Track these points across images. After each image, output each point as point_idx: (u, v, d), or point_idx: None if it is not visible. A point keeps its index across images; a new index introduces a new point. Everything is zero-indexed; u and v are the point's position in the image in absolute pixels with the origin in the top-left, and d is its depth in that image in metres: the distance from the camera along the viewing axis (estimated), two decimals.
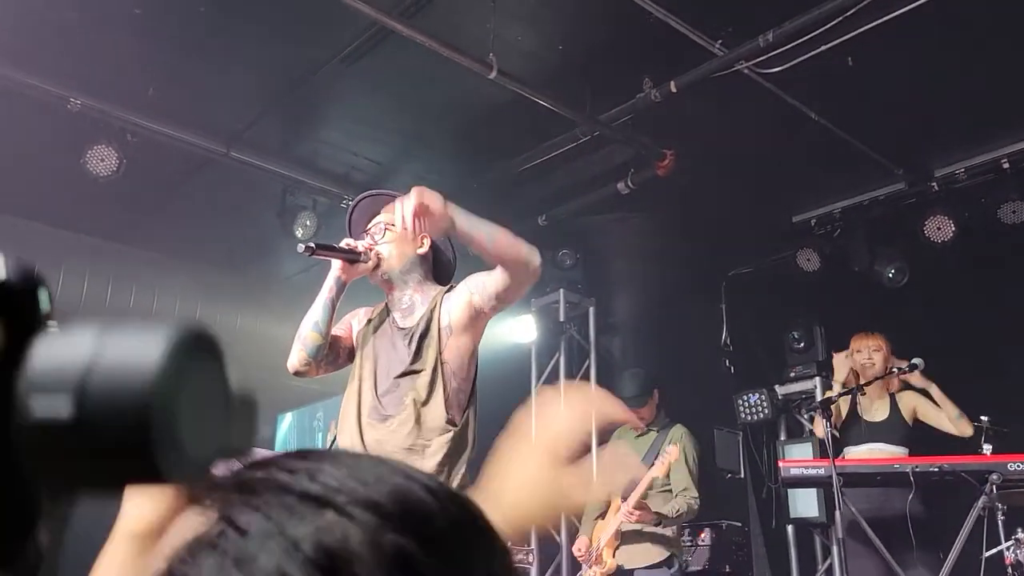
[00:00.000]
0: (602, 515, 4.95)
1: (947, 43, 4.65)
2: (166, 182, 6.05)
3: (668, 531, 4.72)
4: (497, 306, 2.57)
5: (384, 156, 6.17)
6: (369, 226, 2.73)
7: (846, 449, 4.64)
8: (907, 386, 4.72)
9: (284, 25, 4.69)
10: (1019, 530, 3.89)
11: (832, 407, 4.61)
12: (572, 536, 5.40)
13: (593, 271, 6.97)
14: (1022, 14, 4.42)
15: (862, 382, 4.63)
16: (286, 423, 8.70)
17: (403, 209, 2.34)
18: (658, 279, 6.99)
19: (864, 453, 4.53)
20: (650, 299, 7.03)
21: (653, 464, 4.73)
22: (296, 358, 2.58)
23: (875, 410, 4.62)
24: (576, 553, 4.97)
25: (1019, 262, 5.59)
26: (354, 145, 6.03)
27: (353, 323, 2.77)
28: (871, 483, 4.06)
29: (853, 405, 4.67)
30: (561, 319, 6.87)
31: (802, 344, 6.57)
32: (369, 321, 2.73)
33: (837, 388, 4.77)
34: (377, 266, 2.63)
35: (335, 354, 2.67)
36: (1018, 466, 3.51)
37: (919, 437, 4.63)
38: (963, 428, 4.50)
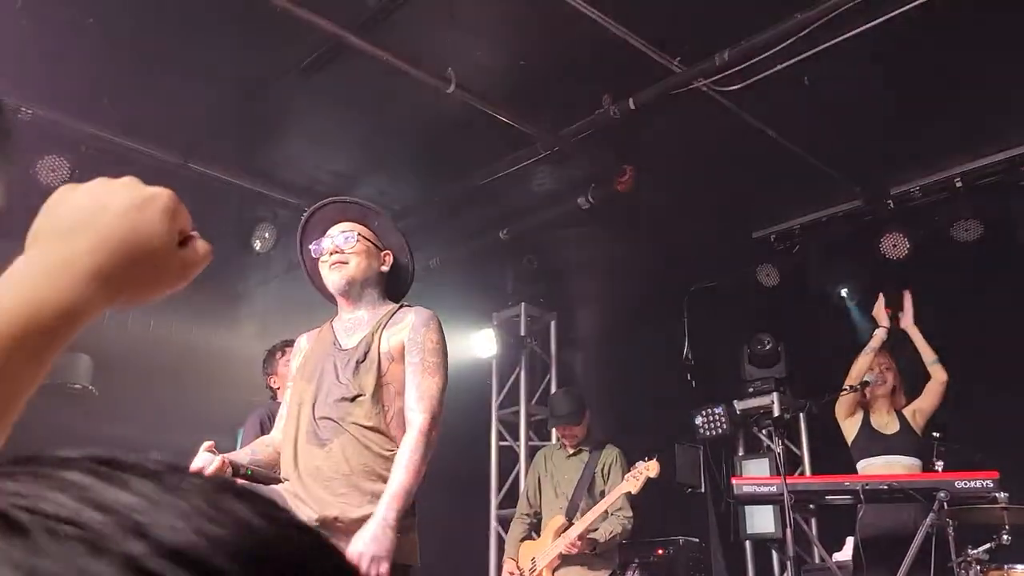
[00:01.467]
0: (528, 536, 4.90)
1: (901, 63, 4.73)
2: None
3: (605, 548, 4.67)
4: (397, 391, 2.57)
5: (345, 168, 6.13)
6: (335, 232, 2.64)
7: (862, 462, 4.67)
8: (909, 402, 4.79)
9: (242, 36, 4.64)
10: (969, 547, 3.94)
11: (844, 419, 4.71)
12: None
13: (555, 285, 6.97)
14: (975, 36, 4.50)
15: (868, 398, 4.72)
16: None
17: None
18: (620, 293, 7.00)
19: (882, 465, 4.57)
20: (612, 313, 7.04)
21: (592, 483, 4.72)
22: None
23: (887, 424, 4.69)
24: None
25: (972, 279, 5.68)
26: (315, 157, 5.99)
27: (294, 363, 2.73)
28: (821, 501, 4.07)
29: (866, 421, 4.72)
30: (522, 333, 6.86)
31: (761, 359, 6.61)
32: (315, 341, 2.68)
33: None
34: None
35: None
36: (965, 484, 3.54)
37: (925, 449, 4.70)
38: (937, 374, 4.59)
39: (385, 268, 2.68)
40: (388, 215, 2.82)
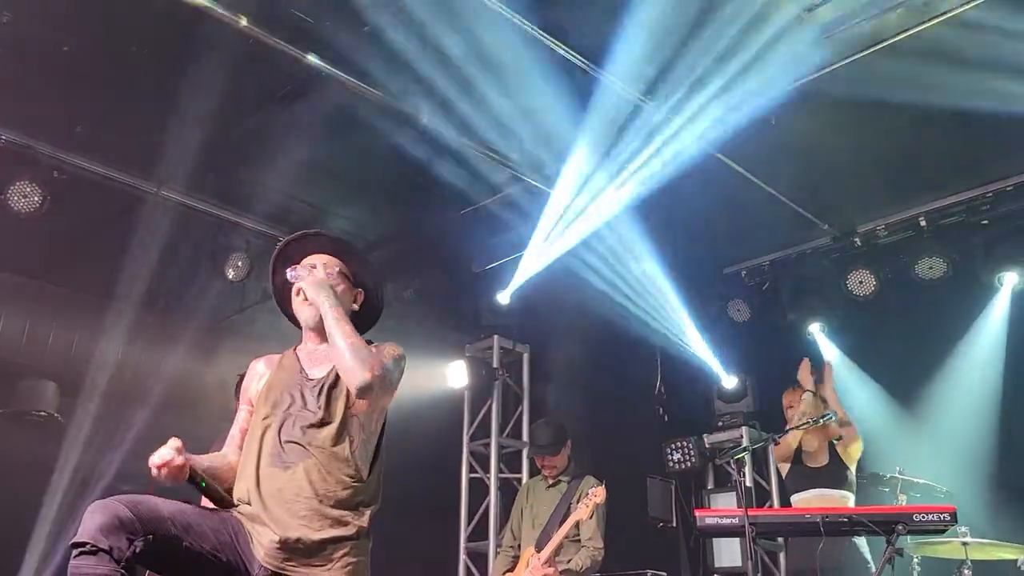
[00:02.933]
0: (511, 568, 4.90)
1: (865, 104, 4.84)
2: (93, 219, 5.95)
3: None
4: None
5: (319, 199, 6.17)
6: (317, 262, 2.66)
7: (794, 497, 4.67)
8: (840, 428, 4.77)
9: (219, 65, 4.68)
10: None
11: (780, 462, 4.70)
12: None
13: (528, 320, 7.00)
14: (937, 77, 4.62)
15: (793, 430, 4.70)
16: None
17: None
18: (592, 327, 7.04)
19: (811, 499, 4.56)
20: (584, 347, 7.07)
21: (566, 513, 4.72)
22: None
23: (817, 457, 4.69)
24: None
25: (936, 315, 5.78)
26: (288, 186, 6.01)
27: (252, 387, 2.68)
28: (784, 532, 4.10)
29: (799, 453, 4.72)
30: (495, 365, 6.87)
31: (731, 393, 6.66)
32: (277, 367, 2.67)
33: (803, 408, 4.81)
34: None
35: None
36: (924, 517, 3.57)
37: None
38: (850, 433, 4.60)
39: (356, 307, 2.71)
40: (365, 255, 2.84)
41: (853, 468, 4.61)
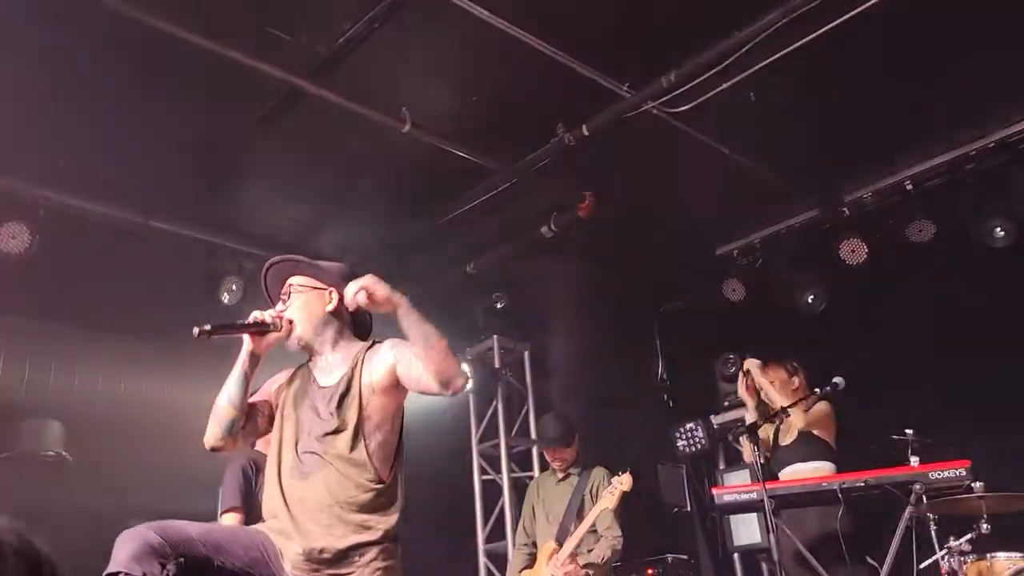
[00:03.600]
0: (529, 566, 4.91)
1: (842, 73, 4.88)
2: (84, 255, 5.91)
3: (600, 572, 4.68)
4: (415, 389, 2.52)
5: (308, 215, 6.16)
6: (282, 293, 2.73)
7: (780, 475, 4.69)
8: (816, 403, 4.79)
9: (197, 90, 4.68)
10: (951, 538, 3.98)
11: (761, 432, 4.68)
12: None
13: (525, 316, 7.01)
14: (912, 41, 4.66)
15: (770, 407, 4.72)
16: None
17: (352, 288, 2.44)
18: (590, 320, 7.06)
19: (788, 475, 4.60)
20: (584, 340, 7.09)
21: (581, 505, 4.73)
22: (211, 434, 2.52)
23: (789, 433, 4.71)
24: None
25: (929, 276, 5.81)
26: (277, 206, 6.01)
27: (273, 389, 2.73)
28: (803, 503, 4.11)
29: (776, 431, 4.74)
30: (497, 365, 6.88)
31: (733, 372, 6.68)
32: (290, 381, 2.71)
33: (751, 416, 4.82)
34: (289, 332, 2.61)
35: (254, 424, 2.61)
36: (939, 474, 3.60)
37: (844, 450, 4.71)
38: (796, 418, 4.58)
39: (331, 307, 2.68)
40: (314, 263, 2.81)
41: (826, 436, 4.62)
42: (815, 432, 4.57)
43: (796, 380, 4.84)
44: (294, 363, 2.85)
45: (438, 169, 5.47)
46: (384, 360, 2.55)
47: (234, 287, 6.23)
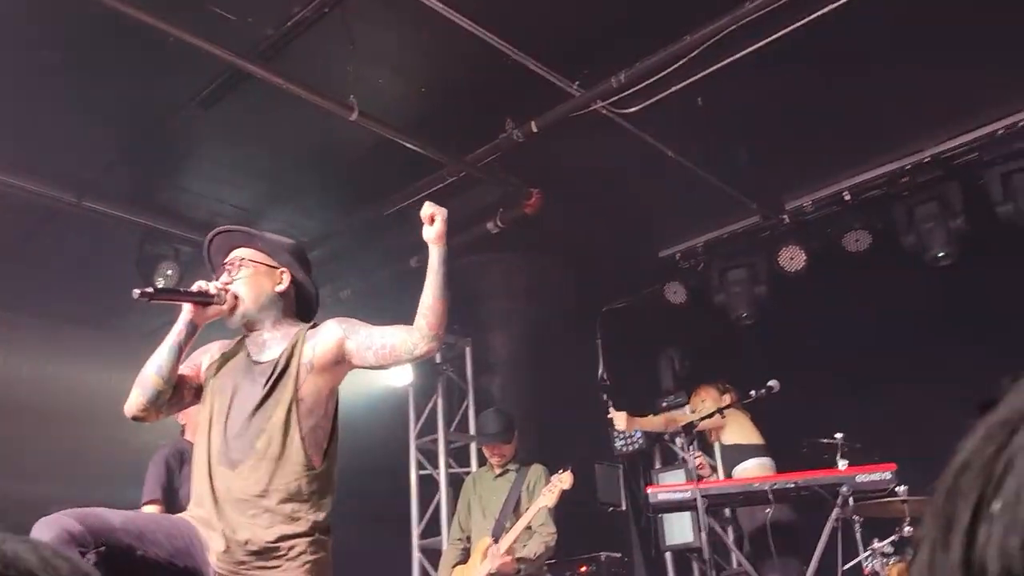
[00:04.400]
0: (462, 561, 4.89)
1: (788, 83, 4.95)
2: (11, 234, 5.71)
3: (537, 567, 4.69)
4: (370, 362, 2.48)
5: (249, 201, 6.03)
6: (225, 262, 2.62)
7: (734, 470, 4.80)
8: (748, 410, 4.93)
9: (136, 69, 4.54)
10: (875, 540, 4.09)
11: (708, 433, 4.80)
12: None
13: (468, 311, 6.98)
14: (855, 56, 4.76)
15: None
16: None
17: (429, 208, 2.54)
18: (533, 317, 7.06)
19: (752, 468, 4.70)
20: (526, 337, 7.09)
21: (518, 502, 4.73)
22: (133, 403, 2.41)
23: (733, 434, 4.81)
24: None
25: (864, 286, 5.96)
26: (217, 191, 5.87)
27: (203, 360, 2.59)
28: (734, 503, 4.17)
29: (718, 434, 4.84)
30: (438, 360, 6.84)
31: (672, 374, 6.76)
32: (223, 355, 2.59)
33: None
34: (234, 308, 2.52)
35: (179, 396, 2.49)
36: (866, 477, 3.69)
37: (779, 450, 4.82)
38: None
39: (281, 287, 2.62)
40: (269, 237, 2.74)
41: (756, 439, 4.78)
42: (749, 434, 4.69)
43: (727, 398, 5.00)
44: (225, 335, 2.75)
45: (384, 160, 5.40)
46: (331, 333, 2.49)
47: (169, 272, 6.09)
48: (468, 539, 4.98)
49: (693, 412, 4.91)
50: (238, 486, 2.30)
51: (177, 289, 2.51)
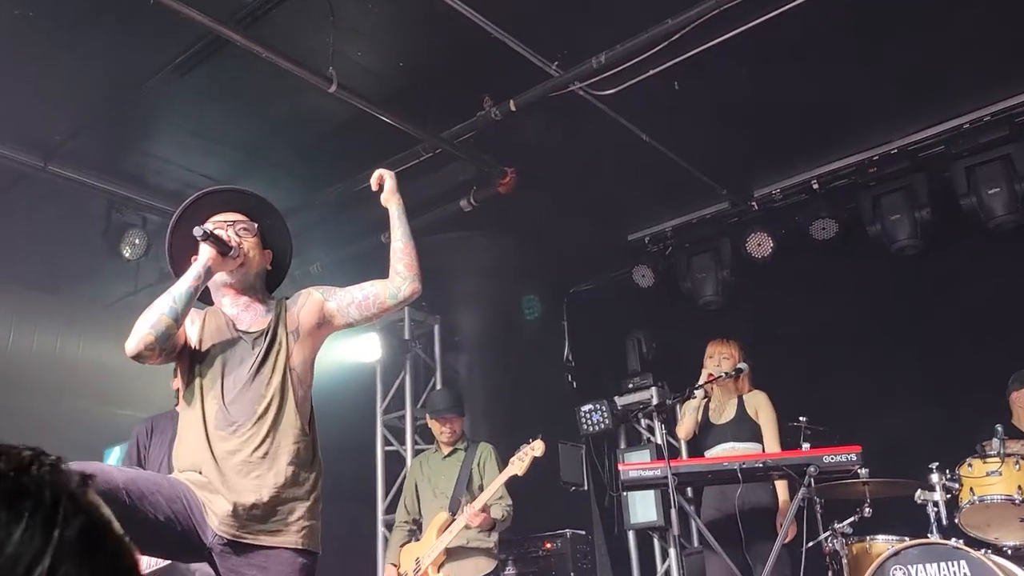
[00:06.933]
0: (410, 541, 4.92)
1: (762, 72, 5.02)
2: None
3: (491, 543, 4.73)
4: (354, 317, 2.53)
5: (220, 171, 5.94)
6: (225, 221, 2.56)
7: (706, 453, 4.75)
8: (757, 387, 4.90)
9: (109, 32, 4.45)
10: (835, 521, 4.21)
11: (686, 414, 4.80)
12: None
13: (438, 289, 6.97)
14: (828, 47, 4.84)
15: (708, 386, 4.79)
16: (113, 457, 8.15)
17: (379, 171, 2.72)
18: (502, 296, 7.09)
19: (718, 453, 4.70)
20: (495, 316, 7.12)
21: (470, 478, 4.77)
22: (140, 340, 2.31)
23: (724, 413, 4.83)
24: None
25: (829, 273, 6.08)
26: (187, 159, 5.78)
27: (186, 322, 2.53)
28: (704, 481, 4.25)
29: (706, 411, 4.85)
30: (406, 337, 6.84)
31: (639, 356, 6.84)
32: (203, 321, 2.55)
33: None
34: (241, 265, 2.52)
35: (173, 346, 2.43)
36: (833, 458, 3.80)
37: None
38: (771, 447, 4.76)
39: (269, 267, 2.67)
40: (277, 213, 2.76)
41: (765, 425, 4.78)
42: (751, 415, 4.71)
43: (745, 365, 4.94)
44: None
45: (359, 134, 5.36)
46: (311, 300, 2.56)
47: (137, 241, 6.00)
48: (415, 521, 5.00)
49: (711, 359, 4.86)
50: (243, 449, 2.31)
51: (218, 235, 2.49)
